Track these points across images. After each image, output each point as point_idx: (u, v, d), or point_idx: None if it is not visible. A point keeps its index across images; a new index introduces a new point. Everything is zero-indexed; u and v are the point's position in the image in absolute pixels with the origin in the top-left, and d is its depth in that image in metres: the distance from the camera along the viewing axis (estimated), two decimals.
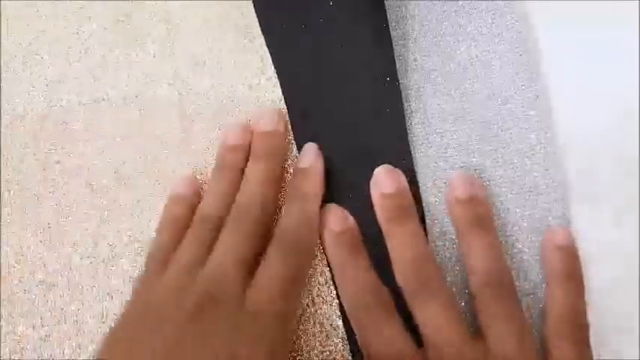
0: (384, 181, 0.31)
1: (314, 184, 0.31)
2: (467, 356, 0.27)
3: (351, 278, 0.30)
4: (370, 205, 0.31)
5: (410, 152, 0.32)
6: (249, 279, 0.28)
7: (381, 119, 0.32)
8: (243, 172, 0.32)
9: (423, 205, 0.31)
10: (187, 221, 0.31)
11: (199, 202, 0.32)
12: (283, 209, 0.31)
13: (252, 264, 0.29)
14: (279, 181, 0.32)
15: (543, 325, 0.29)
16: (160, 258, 0.30)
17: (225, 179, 0.32)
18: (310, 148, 0.32)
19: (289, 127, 0.33)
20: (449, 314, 0.28)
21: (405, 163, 0.31)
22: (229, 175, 0.32)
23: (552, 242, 0.30)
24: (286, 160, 0.33)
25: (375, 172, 0.31)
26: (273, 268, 0.28)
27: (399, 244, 0.29)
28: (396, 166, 0.31)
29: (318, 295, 0.31)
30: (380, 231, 0.30)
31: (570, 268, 0.29)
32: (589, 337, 0.28)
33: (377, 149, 0.32)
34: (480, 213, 0.30)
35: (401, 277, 0.29)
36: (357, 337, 0.29)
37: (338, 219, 0.31)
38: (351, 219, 0.31)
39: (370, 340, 0.28)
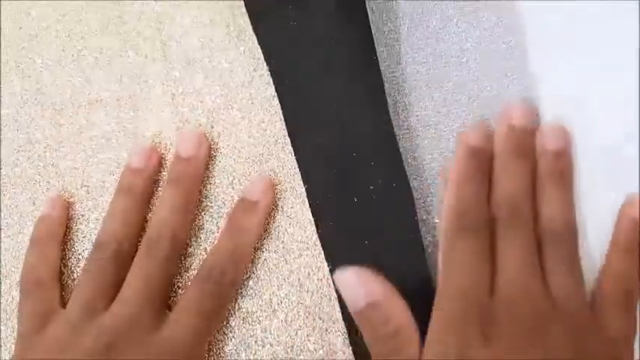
0: (514, 112, 0.30)
1: (256, 220, 0.31)
2: (538, 304, 0.27)
3: (466, 193, 0.29)
4: (366, 201, 0.31)
5: (397, 146, 0.32)
6: (163, 311, 0.29)
7: (365, 116, 0.32)
8: (145, 196, 0.32)
9: (418, 196, 0.31)
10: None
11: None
12: (217, 239, 0.31)
13: (166, 293, 0.30)
14: (193, 207, 0.32)
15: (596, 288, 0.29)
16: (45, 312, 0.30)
17: (122, 204, 0.32)
18: (262, 180, 0.32)
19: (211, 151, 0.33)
20: (527, 255, 0.28)
21: (391, 156, 0.31)
22: (127, 199, 0.32)
23: (629, 213, 0.29)
24: (202, 186, 0.32)
25: (506, 105, 0.31)
26: (191, 306, 0.29)
27: (511, 174, 0.29)
28: (381, 160, 0.31)
29: (317, 290, 0.31)
30: (376, 228, 0.30)
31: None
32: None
33: (364, 146, 0.32)
34: (566, 167, 0.30)
35: (497, 203, 0.29)
36: (440, 247, 0.29)
37: (478, 135, 0.30)
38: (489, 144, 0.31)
39: (453, 257, 0.28)
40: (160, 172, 0.33)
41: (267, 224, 0.32)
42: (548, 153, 0.30)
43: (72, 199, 0.34)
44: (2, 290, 0.33)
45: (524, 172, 0.29)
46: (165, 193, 0.32)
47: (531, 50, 0.32)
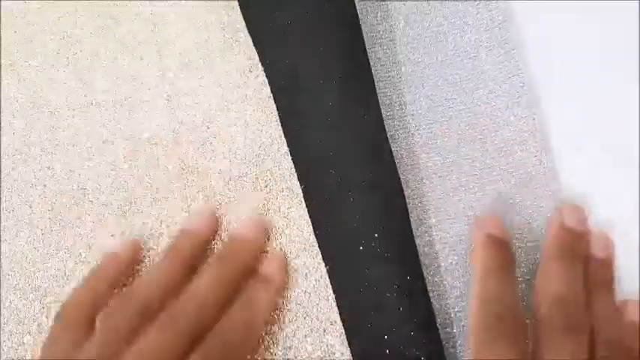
0: (570, 214, 0.30)
1: (269, 296, 0.30)
2: None
3: (493, 288, 0.29)
4: (355, 204, 0.30)
5: (390, 150, 0.31)
6: None
7: (357, 119, 0.32)
8: (192, 262, 0.31)
9: (415, 197, 0.31)
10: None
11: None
12: (228, 311, 0.29)
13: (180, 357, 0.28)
14: (233, 287, 0.30)
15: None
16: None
17: (168, 266, 0.31)
18: (276, 256, 0.31)
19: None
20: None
21: (382, 155, 0.31)
22: (174, 262, 0.31)
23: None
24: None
25: (563, 205, 0.31)
26: None
27: (559, 279, 0.29)
28: (372, 159, 0.31)
29: (315, 291, 0.31)
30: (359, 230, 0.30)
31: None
32: None
33: (355, 148, 0.31)
34: (612, 275, 0.30)
35: (547, 308, 0.28)
36: (470, 347, 0.28)
37: (495, 225, 0.30)
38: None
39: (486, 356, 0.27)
40: (214, 239, 0.32)
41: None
42: (597, 260, 0.30)
43: (67, 201, 0.34)
44: (1, 294, 0.33)
45: (575, 277, 0.29)
46: (210, 268, 0.30)
47: (528, 49, 0.32)
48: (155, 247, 0.32)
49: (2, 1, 0.37)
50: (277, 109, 0.33)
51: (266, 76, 0.34)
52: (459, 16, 0.33)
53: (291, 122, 0.33)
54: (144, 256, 0.32)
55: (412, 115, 0.32)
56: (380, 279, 0.29)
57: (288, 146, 0.32)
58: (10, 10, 0.37)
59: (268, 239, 0.32)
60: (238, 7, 0.34)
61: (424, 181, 0.32)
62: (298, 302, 0.31)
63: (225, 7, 0.35)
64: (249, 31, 0.34)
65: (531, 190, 0.31)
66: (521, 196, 0.31)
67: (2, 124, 0.35)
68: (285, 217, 0.32)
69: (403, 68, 0.33)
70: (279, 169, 0.33)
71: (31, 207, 0.34)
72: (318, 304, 0.31)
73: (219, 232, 0.32)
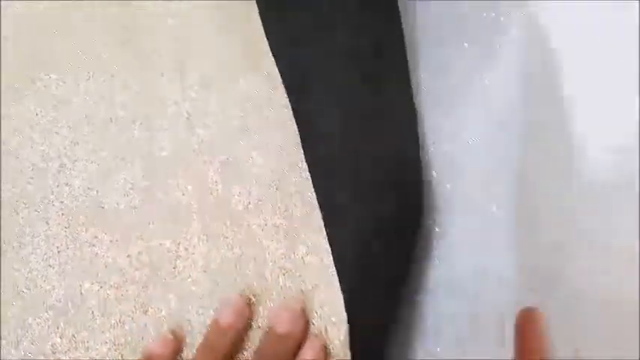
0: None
1: None
2: None
3: None
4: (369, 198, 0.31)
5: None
6: None
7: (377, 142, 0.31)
8: (227, 356, 0.30)
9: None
10: None
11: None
12: None
13: None
14: None
15: None
16: None
17: None
18: (315, 344, 0.30)
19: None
20: None
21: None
22: (211, 358, 0.30)
23: None
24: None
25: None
26: None
27: None
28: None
29: (331, 323, 0.30)
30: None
31: None
32: None
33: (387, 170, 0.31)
34: None
35: None
36: None
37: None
38: None
39: None
40: (248, 329, 0.31)
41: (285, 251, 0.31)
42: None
43: (84, 219, 0.33)
44: (13, 316, 0.33)
45: None
46: None
47: (531, 52, 0.32)
48: (172, 269, 0.32)
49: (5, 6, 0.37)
50: (298, 129, 0.32)
51: (287, 95, 0.33)
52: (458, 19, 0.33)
53: (310, 139, 0.32)
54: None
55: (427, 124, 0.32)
56: None
57: (309, 171, 0.32)
58: (33, 24, 0.37)
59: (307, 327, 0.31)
60: (261, 27, 0.34)
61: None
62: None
63: (248, 27, 0.35)
64: (271, 51, 0.34)
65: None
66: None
67: (21, 138, 0.35)
68: (304, 244, 0.31)
69: (425, 87, 0.33)
70: (300, 194, 0.32)
71: (47, 223, 0.34)
72: (321, 309, 0.30)
73: (253, 320, 0.31)
